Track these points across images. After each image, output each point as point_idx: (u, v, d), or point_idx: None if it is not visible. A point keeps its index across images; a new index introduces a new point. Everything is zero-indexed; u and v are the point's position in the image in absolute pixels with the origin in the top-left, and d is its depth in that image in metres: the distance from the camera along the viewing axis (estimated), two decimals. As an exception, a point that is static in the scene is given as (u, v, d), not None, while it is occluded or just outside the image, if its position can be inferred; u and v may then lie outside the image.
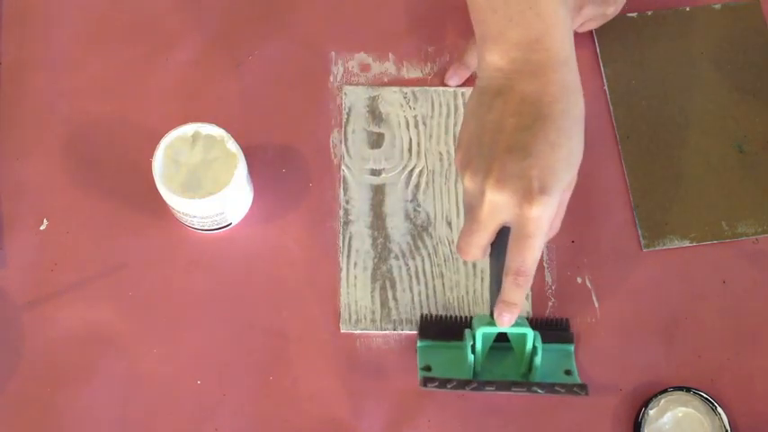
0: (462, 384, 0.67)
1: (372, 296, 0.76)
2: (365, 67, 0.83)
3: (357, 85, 0.82)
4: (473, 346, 0.68)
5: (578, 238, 0.77)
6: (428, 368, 0.71)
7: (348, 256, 0.77)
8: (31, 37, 0.83)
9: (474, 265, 0.76)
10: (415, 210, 0.78)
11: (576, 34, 0.83)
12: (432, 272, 0.76)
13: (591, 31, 0.83)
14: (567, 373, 0.71)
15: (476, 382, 0.68)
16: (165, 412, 0.73)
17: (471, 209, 0.65)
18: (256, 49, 0.83)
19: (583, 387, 0.67)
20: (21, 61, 0.82)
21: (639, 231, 0.77)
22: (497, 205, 0.63)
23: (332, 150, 0.80)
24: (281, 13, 0.84)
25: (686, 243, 0.77)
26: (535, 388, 0.67)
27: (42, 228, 0.77)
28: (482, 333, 0.68)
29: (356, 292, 0.76)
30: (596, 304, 0.75)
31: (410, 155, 0.79)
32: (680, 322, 0.75)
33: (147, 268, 0.76)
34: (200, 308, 0.75)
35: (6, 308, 0.75)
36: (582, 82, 0.82)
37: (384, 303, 0.75)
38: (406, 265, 0.76)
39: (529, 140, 0.62)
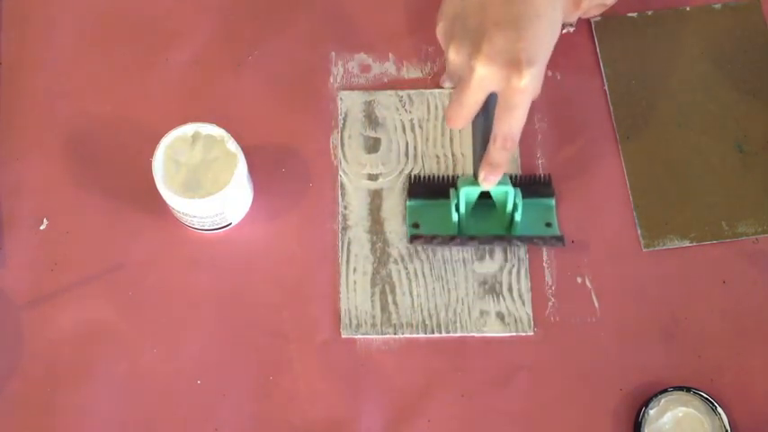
0: (447, 240, 0.74)
1: (372, 301, 0.75)
2: (365, 68, 0.83)
3: (353, 89, 0.81)
4: (457, 205, 0.73)
5: (578, 238, 0.77)
6: (416, 225, 0.76)
7: (347, 261, 0.76)
8: (31, 37, 0.83)
9: (473, 268, 0.76)
10: None
11: (576, 34, 0.83)
12: (431, 275, 0.76)
13: (591, 32, 0.83)
14: (548, 225, 0.76)
15: (459, 237, 0.74)
16: (165, 412, 0.73)
17: (459, 80, 0.68)
18: (256, 49, 0.83)
19: (560, 239, 0.74)
20: (21, 61, 0.82)
21: (639, 231, 0.77)
22: (486, 78, 0.66)
23: (332, 151, 0.80)
24: (281, 13, 0.84)
25: (686, 243, 0.77)
26: (515, 241, 0.74)
27: (42, 227, 0.77)
28: (466, 192, 0.73)
29: (356, 296, 0.76)
30: (596, 304, 0.75)
31: (407, 158, 0.79)
32: (680, 322, 0.75)
33: (147, 268, 0.76)
34: (200, 308, 0.75)
35: (6, 308, 0.75)
36: (582, 82, 0.82)
37: (384, 308, 0.75)
38: (406, 268, 0.76)
39: (515, 13, 0.65)
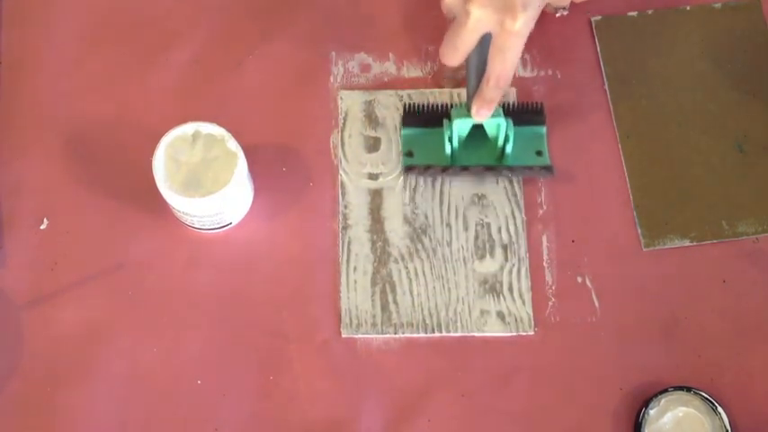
0: (440, 170, 0.77)
1: (373, 300, 0.75)
2: (365, 68, 0.83)
3: (353, 89, 0.81)
4: (450, 137, 0.76)
5: (578, 238, 0.77)
6: (410, 153, 0.78)
7: (348, 261, 0.76)
8: (31, 37, 0.83)
9: (473, 267, 0.76)
10: (413, 212, 0.78)
11: (576, 34, 0.83)
12: (431, 274, 0.76)
13: (591, 31, 0.83)
14: (539, 153, 0.78)
15: (452, 167, 0.77)
16: (165, 412, 0.73)
17: (454, 20, 0.71)
18: (257, 48, 0.83)
19: (549, 169, 0.77)
20: (21, 61, 0.82)
21: (639, 231, 0.77)
22: (481, 21, 0.69)
23: (332, 150, 0.80)
24: (281, 13, 0.84)
25: (686, 242, 0.77)
26: (505, 171, 0.77)
27: (42, 227, 0.77)
28: (458, 124, 0.76)
29: (356, 296, 0.76)
30: (596, 304, 0.75)
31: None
32: (680, 322, 0.75)
33: (147, 268, 0.76)
34: (200, 308, 0.75)
35: (6, 308, 0.75)
36: (582, 82, 0.82)
37: (385, 307, 0.75)
38: (406, 268, 0.76)
39: None
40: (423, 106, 0.79)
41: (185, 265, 0.77)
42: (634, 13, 0.84)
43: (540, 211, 0.78)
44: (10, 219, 0.78)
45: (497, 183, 0.78)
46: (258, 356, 0.74)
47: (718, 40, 0.82)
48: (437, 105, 0.79)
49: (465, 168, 0.77)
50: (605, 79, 0.82)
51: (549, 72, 0.82)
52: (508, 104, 0.79)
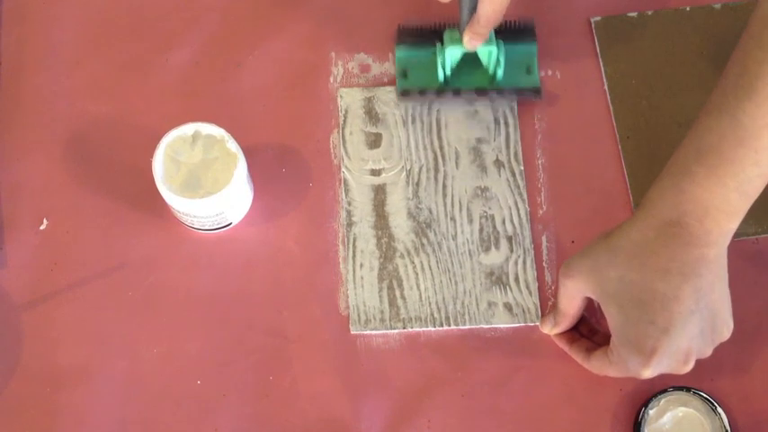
0: (434, 94, 0.80)
1: (380, 296, 0.76)
2: (365, 68, 0.83)
3: (354, 86, 0.82)
4: (443, 64, 0.79)
5: (578, 238, 0.77)
6: (404, 74, 0.81)
7: (354, 258, 0.77)
8: (31, 37, 0.83)
9: (479, 259, 0.76)
10: (417, 207, 0.78)
11: (576, 34, 0.83)
12: (438, 268, 0.76)
13: (591, 31, 0.83)
14: (528, 71, 0.81)
15: (445, 90, 0.80)
16: (165, 412, 0.73)
17: None
18: (256, 49, 0.83)
19: (537, 91, 0.80)
20: (21, 61, 0.82)
21: (639, 231, 0.77)
22: None
23: (332, 150, 0.80)
24: (281, 13, 0.84)
25: (686, 243, 0.77)
26: (493, 94, 0.80)
27: (42, 228, 0.77)
28: (450, 51, 0.78)
29: (363, 292, 0.76)
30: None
31: (409, 152, 0.80)
32: (680, 322, 0.75)
33: (147, 268, 0.76)
34: (200, 308, 0.75)
35: (6, 308, 0.75)
36: (582, 82, 0.82)
37: (392, 302, 0.75)
38: (412, 262, 0.77)
39: None
40: (417, 27, 0.82)
41: (185, 265, 0.77)
42: (634, 14, 0.84)
43: (540, 212, 0.78)
44: (10, 219, 0.78)
45: (499, 175, 0.79)
46: (258, 356, 0.74)
47: (718, 40, 0.82)
48: (431, 27, 0.82)
49: (457, 93, 0.80)
50: (605, 79, 0.82)
51: (549, 72, 0.82)
52: (500, 24, 0.80)
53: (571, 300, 0.69)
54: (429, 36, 0.81)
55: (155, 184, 0.72)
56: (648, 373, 0.65)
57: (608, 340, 0.68)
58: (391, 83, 0.82)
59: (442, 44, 0.79)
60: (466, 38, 0.76)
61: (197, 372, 0.74)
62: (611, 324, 0.66)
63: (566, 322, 0.71)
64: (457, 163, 0.79)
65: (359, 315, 0.75)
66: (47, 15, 0.84)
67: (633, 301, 0.64)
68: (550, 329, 0.72)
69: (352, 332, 0.75)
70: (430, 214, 0.78)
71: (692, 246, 0.62)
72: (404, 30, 0.82)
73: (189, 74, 0.82)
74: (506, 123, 0.80)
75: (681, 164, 0.63)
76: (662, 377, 0.73)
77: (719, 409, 0.71)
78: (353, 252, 0.77)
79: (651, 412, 0.71)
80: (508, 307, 0.75)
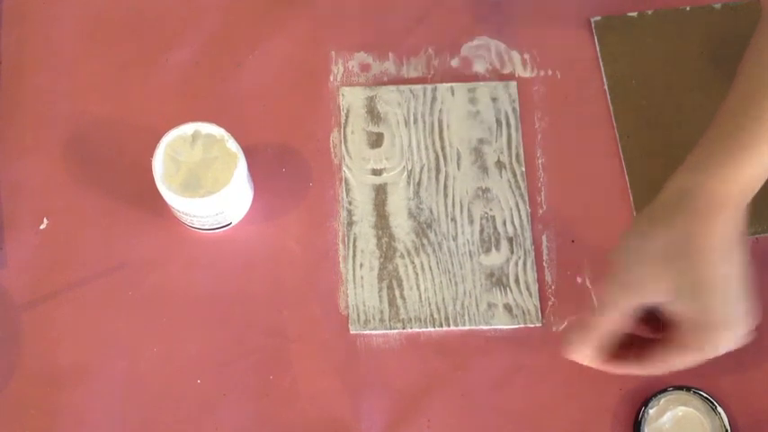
0: None
1: (380, 296, 0.76)
2: (365, 67, 0.83)
3: (355, 85, 0.82)
4: None
5: (578, 238, 0.77)
6: None
7: (354, 257, 0.77)
8: (31, 37, 0.83)
9: (479, 260, 0.76)
10: (417, 207, 0.78)
11: (576, 34, 0.83)
12: (438, 268, 0.76)
13: (591, 31, 0.83)
14: None
15: None
16: (165, 412, 0.73)
17: None
18: (256, 48, 0.83)
19: None
20: (21, 61, 0.82)
21: (639, 231, 0.77)
22: None
23: (332, 150, 0.80)
24: (281, 13, 0.84)
25: (686, 243, 0.77)
26: None
27: (42, 227, 0.77)
28: None
29: (363, 292, 0.76)
30: (596, 304, 0.75)
31: (410, 152, 0.80)
32: (680, 322, 0.75)
33: (147, 268, 0.76)
34: (200, 307, 0.75)
35: (6, 308, 0.75)
36: (582, 82, 0.82)
37: (392, 302, 0.75)
38: (412, 263, 0.77)
39: None
40: None
41: (185, 265, 0.77)
42: (634, 14, 0.84)
43: (540, 211, 0.78)
44: (10, 219, 0.78)
45: (501, 176, 0.78)
46: (258, 356, 0.74)
47: (718, 40, 0.82)
48: None
49: None
50: (605, 79, 0.82)
51: (549, 72, 0.82)
52: None
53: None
54: None
55: (155, 184, 0.72)
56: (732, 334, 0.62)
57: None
58: (392, 82, 0.82)
59: None
60: None
61: (197, 371, 0.74)
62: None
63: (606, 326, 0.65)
64: (458, 164, 0.79)
65: (358, 315, 0.75)
66: (47, 15, 0.84)
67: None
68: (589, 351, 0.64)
69: (351, 332, 0.75)
70: (431, 214, 0.78)
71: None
72: None
73: (189, 74, 0.82)
74: (508, 125, 0.80)
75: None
76: (661, 376, 0.73)
77: (719, 409, 0.71)
78: (354, 252, 0.77)
79: (651, 411, 0.71)
80: (508, 308, 0.75)
